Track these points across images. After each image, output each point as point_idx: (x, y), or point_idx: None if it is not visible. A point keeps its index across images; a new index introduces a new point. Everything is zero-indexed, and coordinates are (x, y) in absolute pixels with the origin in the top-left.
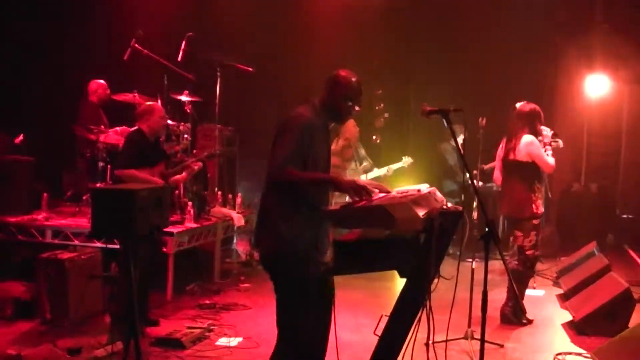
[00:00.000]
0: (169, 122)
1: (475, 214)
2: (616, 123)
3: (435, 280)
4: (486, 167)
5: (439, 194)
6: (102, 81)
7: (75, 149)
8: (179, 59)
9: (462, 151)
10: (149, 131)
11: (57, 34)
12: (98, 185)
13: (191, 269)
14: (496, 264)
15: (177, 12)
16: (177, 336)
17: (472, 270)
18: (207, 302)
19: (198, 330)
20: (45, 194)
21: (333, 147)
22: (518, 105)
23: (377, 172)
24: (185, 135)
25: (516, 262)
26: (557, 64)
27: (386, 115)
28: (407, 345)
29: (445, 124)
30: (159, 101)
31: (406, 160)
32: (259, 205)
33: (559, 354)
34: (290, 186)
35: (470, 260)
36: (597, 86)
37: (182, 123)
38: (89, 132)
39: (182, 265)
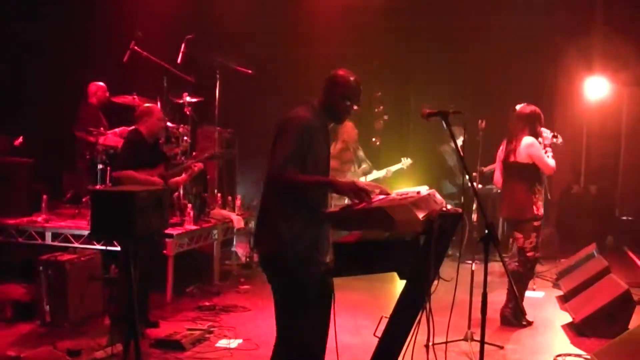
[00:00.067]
0: (169, 124)
1: (474, 216)
2: (616, 125)
3: (435, 282)
4: (486, 169)
5: (438, 196)
6: (101, 83)
7: (74, 151)
8: (179, 61)
9: (461, 153)
10: (148, 133)
11: (57, 34)
12: (97, 187)
13: (191, 270)
14: (496, 266)
15: (177, 13)
16: (177, 338)
17: (472, 272)
18: (207, 303)
19: (198, 332)
20: (44, 196)
21: (331, 149)
22: (518, 107)
23: (376, 174)
24: (185, 137)
25: (516, 264)
26: (557, 65)
27: (386, 117)
28: (407, 347)
29: (445, 126)
30: (159, 103)
31: (405, 162)
32: (258, 206)
33: (559, 355)
34: (289, 188)
35: (469, 262)
36: (596, 88)
37: (182, 125)
38: (89, 134)
39: (182, 267)
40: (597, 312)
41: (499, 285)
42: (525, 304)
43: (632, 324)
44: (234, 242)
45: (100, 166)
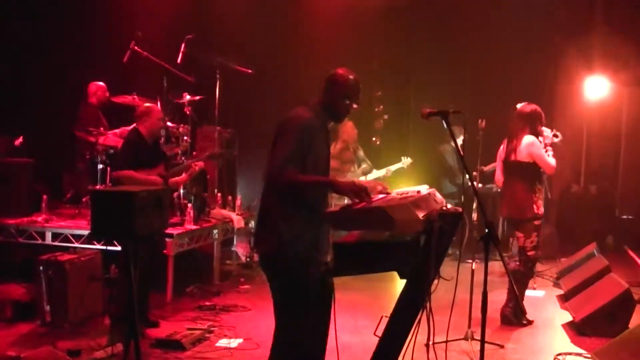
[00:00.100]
0: (169, 124)
1: (474, 215)
2: (615, 125)
3: (435, 282)
4: (486, 168)
5: (438, 195)
6: (101, 83)
7: (74, 151)
8: (179, 61)
9: (461, 152)
10: (147, 133)
11: (57, 34)
12: (97, 187)
13: (191, 270)
14: (496, 265)
15: (177, 13)
16: (177, 337)
17: (472, 271)
18: (207, 303)
19: (198, 332)
20: (45, 196)
21: (331, 149)
22: (519, 106)
23: (376, 173)
24: (185, 137)
25: (517, 263)
26: (557, 65)
27: (386, 116)
28: (407, 346)
29: (445, 125)
30: (159, 103)
31: (405, 161)
32: (258, 205)
33: (559, 354)
34: (289, 188)
35: (470, 261)
36: (596, 88)
37: (182, 125)
38: (89, 134)
39: (182, 266)
40: (597, 311)
41: (499, 284)
42: (525, 303)
43: (633, 323)
44: (234, 242)
45: (100, 166)
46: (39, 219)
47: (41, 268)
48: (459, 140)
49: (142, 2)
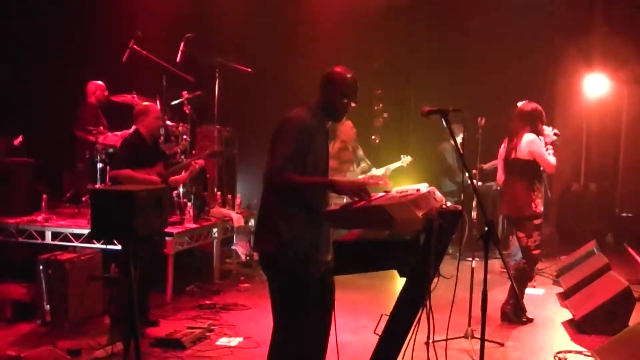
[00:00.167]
0: (168, 122)
1: (474, 214)
2: (615, 123)
3: (435, 280)
4: (485, 166)
5: (438, 194)
6: (100, 82)
7: (74, 151)
8: (178, 60)
9: (461, 151)
10: (147, 132)
11: (57, 34)
12: (97, 186)
13: (191, 269)
14: (496, 264)
15: (176, 13)
16: (177, 336)
17: (472, 269)
18: (207, 302)
19: (198, 331)
20: (44, 195)
21: (330, 149)
22: (520, 104)
23: (375, 172)
24: (184, 136)
25: (523, 261)
26: (557, 64)
27: (385, 115)
28: (407, 345)
29: (445, 124)
30: (158, 102)
31: (405, 160)
32: (258, 205)
33: (559, 352)
34: (289, 189)
35: (469, 259)
36: (596, 86)
37: (181, 124)
38: (88, 134)
39: (182, 265)
40: (597, 309)
41: (499, 282)
42: (525, 301)
43: (633, 321)
44: (234, 241)
45: (99, 165)
46: (39, 218)
47: (41, 267)
48: (459, 139)
49: (142, 2)
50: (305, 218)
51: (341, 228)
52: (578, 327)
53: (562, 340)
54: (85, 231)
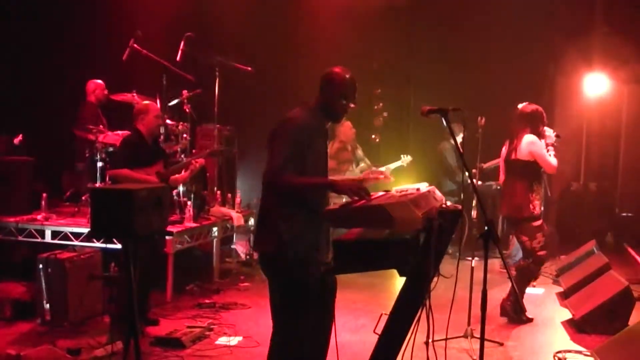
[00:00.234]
0: (168, 121)
1: (474, 213)
2: (615, 122)
3: (435, 279)
4: (485, 165)
5: (438, 193)
6: (99, 81)
7: (74, 150)
8: (178, 59)
9: (461, 150)
10: (146, 131)
11: (57, 34)
12: (97, 185)
13: (191, 268)
14: (495, 263)
15: (176, 12)
16: (177, 335)
17: (472, 268)
18: (207, 301)
19: (198, 330)
20: (44, 194)
21: (329, 149)
22: (520, 106)
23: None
24: (184, 135)
25: (523, 261)
26: (557, 64)
27: (385, 114)
28: (407, 344)
29: (444, 123)
30: (158, 101)
31: (405, 159)
32: (259, 205)
33: (559, 352)
34: (288, 191)
35: (469, 258)
36: (596, 86)
37: (181, 123)
38: (88, 133)
39: (182, 264)
40: (597, 308)
41: (499, 282)
42: (525, 300)
43: (632, 321)
44: (234, 240)
45: (99, 164)
46: (39, 217)
47: (41, 266)
48: (459, 138)
49: (142, 1)
50: (305, 218)
51: (341, 227)
52: (578, 327)
53: (562, 339)
54: (85, 230)
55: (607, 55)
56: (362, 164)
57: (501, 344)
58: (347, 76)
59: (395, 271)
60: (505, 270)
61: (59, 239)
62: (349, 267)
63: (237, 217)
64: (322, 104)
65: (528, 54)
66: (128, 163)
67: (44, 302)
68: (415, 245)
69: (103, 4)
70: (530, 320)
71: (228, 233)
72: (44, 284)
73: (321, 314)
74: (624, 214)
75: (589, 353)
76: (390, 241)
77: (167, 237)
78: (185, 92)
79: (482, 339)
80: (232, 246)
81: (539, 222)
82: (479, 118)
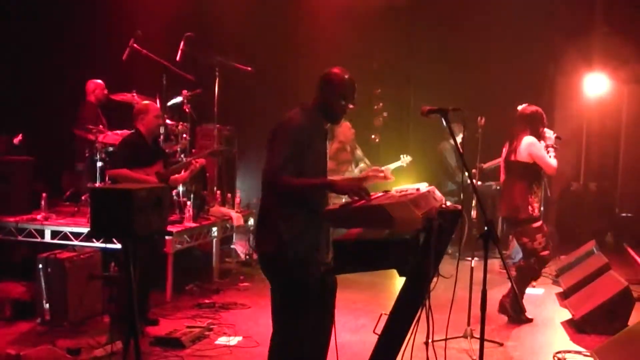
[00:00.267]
0: (168, 121)
1: (474, 213)
2: (615, 122)
3: (435, 279)
4: (485, 165)
5: (438, 193)
6: (99, 81)
7: (74, 150)
8: (178, 58)
9: (461, 150)
10: (146, 131)
11: (57, 33)
12: (97, 185)
13: (190, 268)
14: (495, 263)
15: (176, 12)
16: (177, 335)
17: (471, 269)
18: (207, 301)
19: (197, 330)
20: (44, 194)
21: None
22: (520, 107)
23: None
24: (184, 135)
25: (532, 261)
26: (556, 64)
27: (385, 114)
28: (407, 344)
29: (444, 123)
30: (158, 101)
31: (405, 159)
32: (259, 205)
33: (559, 352)
34: (288, 192)
35: (469, 259)
36: (596, 86)
37: (181, 123)
38: (88, 132)
39: (182, 264)
40: (596, 308)
41: (499, 282)
42: (525, 301)
43: (632, 321)
44: (234, 240)
45: (99, 164)
46: (38, 216)
47: (40, 266)
48: (459, 138)
49: (142, 1)
50: (305, 218)
51: (341, 227)
52: (577, 327)
53: (562, 340)
54: (85, 230)
55: (607, 55)
56: (361, 164)
57: (501, 344)
58: (346, 77)
59: (395, 271)
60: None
61: (58, 239)
62: (349, 267)
63: (236, 217)
64: (321, 104)
65: (528, 54)
66: (127, 163)
67: (44, 302)
68: (415, 246)
69: (103, 4)
70: (530, 320)
71: (228, 233)
72: (43, 283)
73: (321, 314)
74: (624, 214)
75: (588, 353)
76: (390, 241)
77: (166, 237)
78: (185, 92)
79: (482, 339)
80: (232, 246)
81: (538, 224)
82: (479, 118)
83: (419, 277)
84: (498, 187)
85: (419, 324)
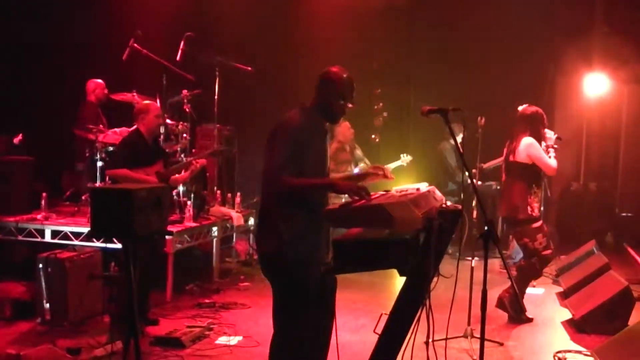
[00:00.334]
0: (168, 121)
1: (474, 213)
2: (615, 122)
3: (435, 279)
4: (485, 165)
5: (438, 193)
6: (99, 80)
7: (74, 149)
8: (178, 58)
9: (461, 150)
10: (147, 131)
11: (57, 34)
12: (97, 184)
13: (190, 268)
14: (495, 263)
15: (177, 11)
16: (177, 335)
17: (472, 268)
18: (207, 301)
19: (198, 329)
20: (44, 194)
21: None
22: (520, 108)
23: None
24: (184, 135)
25: (533, 261)
26: (556, 64)
27: (385, 114)
28: (407, 344)
29: (444, 123)
30: (158, 101)
31: (405, 159)
32: (259, 205)
33: (559, 352)
34: (288, 193)
35: (469, 258)
36: (596, 86)
37: (181, 122)
38: (88, 132)
39: (182, 264)
40: (597, 308)
41: (499, 282)
42: (525, 300)
43: (632, 321)
44: (234, 239)
45: (99, 164)
46: (39, 216)
47: (40, 266)
48: (459, 138)
49: (142, 1)
50: (305, 218)
51: (341, 227)
52: (578, 327)
53: (562, 339)
54: (85, 230)
55: (607, 55)
56: (361, 164)
57: (501, 344)
58: (345, 76)
59: (395, 271)
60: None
61: (58, 239)
62: (349, 267)
63: (237, 217)
64: (320, 104)
65: (528, 54)
66: (126, 163)
67: (44, 301)
68: (415, 245)
69: (103, 4)
70: (530, 320)
71: (228, 233)
72: (43, 283)
73: (321, 314)
74: (624, 214)
75: (589, 353)
76: (390, 241)
77: (167, 237)
78: (185, 91)
79: (482, 339)
80: (232, 246)
81: (538, 224)
82: (479, 118)
83: (419, 277)
84: (498, 187)
85: (419, 323)
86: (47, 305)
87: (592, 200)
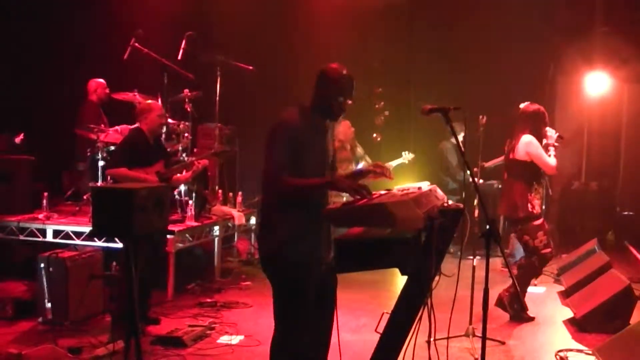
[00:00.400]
0: (170, 120)
1: (476, 212)
2: (616, 121)
3: (436, 278)
4: (486, 164)
5: (439, 192)
6: (101, 80)
7: (75, 149)
8: (179, 57)
9: (462, 149)
10: (149, 130)
11: (57, 33)
12: (98, 184)
13: (192, 267)
14: (497, 262)
15: (177, 11)
16: (178, 334)
17: (473, 267)
18: (208, 300)
19: (199, 329)
20: (45, 193)
21: None
22: (522, 105)
23: None
24: (186, 134)
25: (534, 259)
26: (557, 63)
27: (386, 113)
28: (409, 343)
29: (445, 122)
30: (159, 100)
31: (407, 156)
32: (259, 205)
33: (560, 351)
34: (289, 193)
35: (471, 257)
36: (596, 85)
37: (182, 122)
38: (89, 131)
39: (183, 263)
40: (598, 307)
41: (500, 280)
42: (526, 299)
43: (634, 320)
44: (235, 239)
45: (101, 163)
46: (40, 216)
47: (42, 265)
48: (460, 137)
49: (143, 1)
50: (305, 218)
51: (342, 227)
52: (579, 326)
53: (563, 338)
54: (86, 229)
55: (608, 54)
56: (362, 162)
57: (503, 343)
58: (343, 72)
59: (396, 270)
60: (506, 269)
61: (60, 238)
62: (351, 266)
63: (238, 216)
64: (319, 101)
65: (528, 53)
66: (126, 162)
67: (45, 301)
68: (417, 244)
69: (103, 3)
70: (531, 319)
71: (229, 232)
72: (45, 283)
73: (321, 313)
74: (625, 213)
75: (590, 352)
76: (392, 240)
77: (168, 236)
78: (186, 91)
79: (484, 338)
80: (234, 245)
81: (539, 222)
82: (480, 117)
83: (421, 276)
84: (500, 186)
85: (421, 322)
86: (49, 305)
87: (593, 199)
